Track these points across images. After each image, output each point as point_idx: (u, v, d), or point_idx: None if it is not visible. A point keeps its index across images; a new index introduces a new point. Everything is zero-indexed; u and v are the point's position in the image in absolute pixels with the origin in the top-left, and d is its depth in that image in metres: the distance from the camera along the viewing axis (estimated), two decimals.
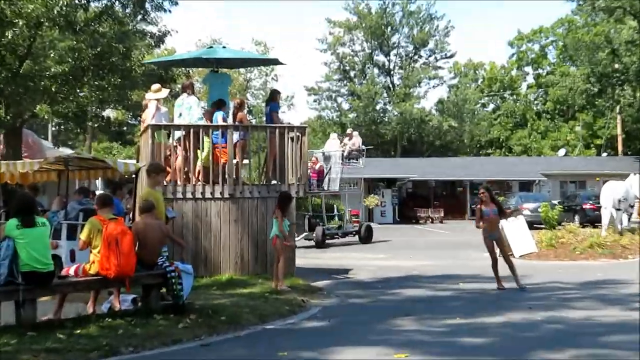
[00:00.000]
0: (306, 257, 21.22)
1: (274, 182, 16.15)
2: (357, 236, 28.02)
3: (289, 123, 18.09)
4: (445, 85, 72.32)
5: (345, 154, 26.47)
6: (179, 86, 25.93)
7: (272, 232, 13.74)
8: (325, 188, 25.61)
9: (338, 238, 27.22)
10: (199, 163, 15.43)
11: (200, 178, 15.34)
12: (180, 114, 15.87)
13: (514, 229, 21.01)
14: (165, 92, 16.30)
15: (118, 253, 9.43)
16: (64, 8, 20.31)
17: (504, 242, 14.23)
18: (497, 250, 14.10)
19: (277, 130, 15.95)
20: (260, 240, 15.42)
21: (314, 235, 25.80)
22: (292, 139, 16.05)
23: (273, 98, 17.41)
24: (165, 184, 14.58)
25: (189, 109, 15.79)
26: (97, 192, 17.51)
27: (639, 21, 47.93)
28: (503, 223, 20.99)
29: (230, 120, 16.27)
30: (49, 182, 17.03)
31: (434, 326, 9.85)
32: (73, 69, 23.25)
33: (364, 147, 28.49)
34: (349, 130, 28.37)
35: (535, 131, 71.42)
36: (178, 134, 15.49)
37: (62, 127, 52.61)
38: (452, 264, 19.29)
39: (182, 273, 10.27)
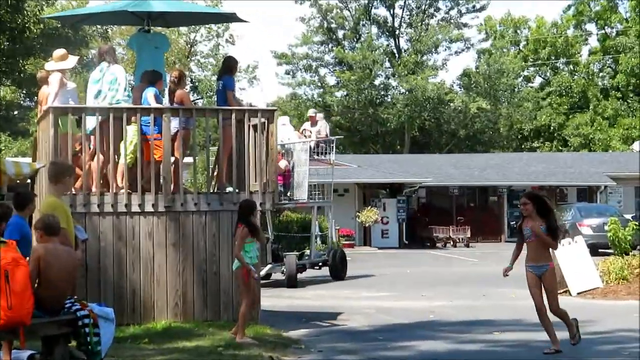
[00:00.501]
0: (276, 296, 21.22)
1: (229, 189, 16.15)
2: (328, 268, 27.14)
3: (251, 104, 18.09)
4: (473, 50, 72.67)
5: (312, 145, 25.91)
6: (94, 51, 25.86)
7: (238, 263, 13.72)
8: (295, 197, 25.16)
9: (301, 271, 26.24)
10: (121, 162, 15.41)
11: (123, 184, 15.34)
12: (100, 92, 15.77)
13: (570, 256, 21.10)
14: (73, 61, 16.24)
15: (8, 292, 9.41)
16: None
17: (553, 281, 13.96)
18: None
19: (233, 114, 15.95)
20: (210, 272, 15.40)
21: (283, 268, 24.99)
22: (254, 127, 16.07)
23: (227, 69, 17.39)
24: (73, 192, 14.56)
25: (112, 84, 15.65)
26: None
27: None
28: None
29: (166, 102, 16.26)
30: None
31: None
32: None
33: (332, 137, 28.15)
34: (311, 112, 27.72)
35: (600, 116, 71.81)
36: (92, 120, 15.47)
37: None
38: (484, 305, 19.37)
39: (99, 319, 10.25)
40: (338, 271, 26.87)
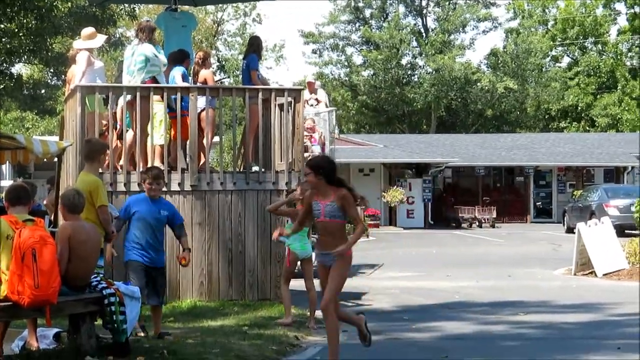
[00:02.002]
0: (300, 275, 21.22)
1: (255, 168, 16.17)
2: None
3: (277, 84, 18.08)
4: (500, 30, 72.28)
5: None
6: (121, 30, 25.87)
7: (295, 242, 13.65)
8: None
9: None
10: (156, 142, 15.43)
11: (157, 162, 15.36)
12: (130, 71, 15.76)
13: (596, 237, 21.05)
14: (100, 40, 16.27)
15: (35, 271, 9.44)
16: None
17: (339, 274, 10.37)
18: None
19: (259, 93, 15.95)
20: (236, 251, 15.46)
21: None
22: (281, 106, 16.07)
23: (252, 49, 17.38)
24: (100, 170, 14.63)
25: (141, 64, 15.57)
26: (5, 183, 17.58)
27: None
28: (580, 229, 21.12)
29: (191, 82, 16.28)
30: None
31: None
32: None
33: (332, 108, 25.73)
34: (310, 79, 25.08)
35: (628, 96, 71.38)
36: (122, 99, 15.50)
37: None
38: (509, 286, 19.35)
39: (125, 298, 10.30)
40: None
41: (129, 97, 15.31)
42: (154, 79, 15.56)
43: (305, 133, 19.09)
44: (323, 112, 21.91)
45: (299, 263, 13.93)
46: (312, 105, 21.84)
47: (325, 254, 10.29)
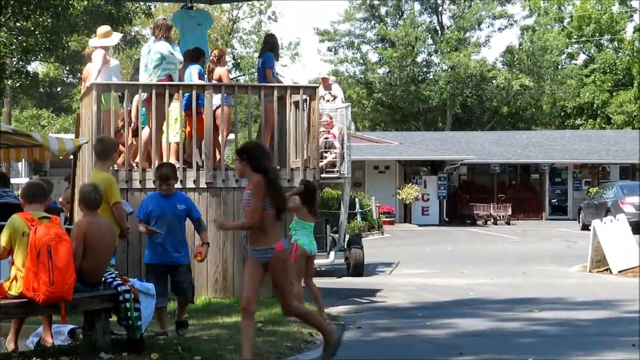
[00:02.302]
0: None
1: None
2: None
3: (293, 81, 18.10)
4: (516, 27, 72.23)
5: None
6: (136, 29, 25.92)
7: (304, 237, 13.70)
8: (344, 172, 20.22)
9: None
10: (172, 140, 15.48)
11: (172, 160, 15.39)
12: (147, 68, 15.76)
13: (612, 234, 21.00)
14: (116, 38, 16.29)
15: (51, 267, 9.46)
16: None
17: (281, 270, 9.69)
18: None
19: (274, 91, 15.97)
20: None
21: (347, 254, 21.35)
22: (296, 104, 16.08)
23: (268, 47, 17.37)
24: (115, 167, 14.66)
25: (157, 61, 15.59)
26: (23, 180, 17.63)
27: None
28: (596, 226, 21.06)
29: (206, 79, 16.30)
30: None
31: None
32: None
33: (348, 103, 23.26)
34: (324, 73, 22.81)
35: None
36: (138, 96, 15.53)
37: None
38: (524, 284, 19.33)
39: (140, 295, 10.32)
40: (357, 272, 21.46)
41: (144, 94, 15.35)
42: (170, 77, 15.58)
43: (323, 129, 18.80)
44: (340, 107, 21.34)
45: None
46: (328, 100, 21.06)
47: (254, 250, 9.66)
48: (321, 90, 19.90)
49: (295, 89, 16.24)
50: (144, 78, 15.65)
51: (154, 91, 15.25)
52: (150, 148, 15.45)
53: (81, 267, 9.95)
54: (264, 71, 16.78)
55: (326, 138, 19.07)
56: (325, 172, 18.68)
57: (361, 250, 21.35)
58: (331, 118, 19.95)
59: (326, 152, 18.99)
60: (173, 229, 11.78)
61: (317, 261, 18.16)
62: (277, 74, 17.37)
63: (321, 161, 17.77)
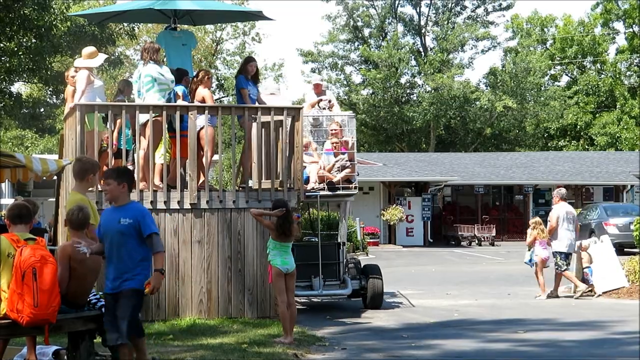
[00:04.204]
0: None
1: (253, 185, 16.18)
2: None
3: (273, 93, 18.11)
4: (499, 49, 72.49)
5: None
6: (120, 49, 25.93)
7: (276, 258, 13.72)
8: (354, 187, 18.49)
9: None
10: (157, 161, 15.51)
11: (162, 182, 15.41)
12: (139, 93, 15.92)
13: (596, 256, 21.03)
14: (101, 59, 16.30)
15: (35, 290, 9.44)
16: None
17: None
18: None
19: (258, 112, 16.02)
20: (235, 269, 15.45)
21: (363, 283, 18.76)
22: (280, 124, 16.11)
23: (239, 69, 17.60)
24: (99, 188, 14.63)
25: (147, 85, 15.69)
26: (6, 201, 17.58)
27: None
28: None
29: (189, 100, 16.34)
30: None
31: None
32: None
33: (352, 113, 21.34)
34: (316, 79, 20.77)
35: (627, 115, 71.48)
36: (142, 118, 15.52)
37: None
38: (509, 305, 19.31)
39: None
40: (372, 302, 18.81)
41: (143, 119, 15.40)
42: (168, 99, 15.73)
43: (335, 140, 18.01)
44: (342, 115, 19.62)
45: None
46: (324, 108, 19.60)
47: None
48: (314, 97, 19.56)
49: (279, 109, 16.27)
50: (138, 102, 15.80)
51: (137, 112, 15.33)
52: (147, 170, 15.45)
53: (67, 289, 9.92)
54: (240, 93, 16.95)
55: (333, 144, 18.04)
56: (342, 189, 17.75)
57: (381, 280, 18.68)
58: (340, 126, 18.53)
59: (340, 165, 17.87)
60: (114, 249, 9.94)
61: (328, 291, 17.91)
62: (254, 93, 17.26)
63: (335, 176, 17.58)
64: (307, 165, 17.40)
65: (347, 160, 17.92)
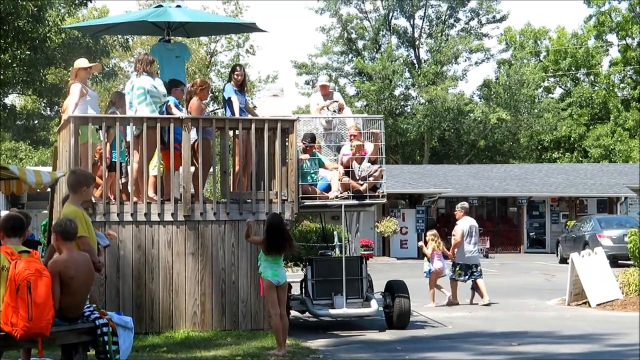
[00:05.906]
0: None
1: (247, 198, 16.19)
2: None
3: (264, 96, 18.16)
4: (493, 61, 72.60)
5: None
6: (114, 61, 25.98)
7: (267, 270, 13.72)
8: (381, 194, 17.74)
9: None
10: (151, 173, 15.50)
11: (156, 195, 15.40)
12: (131, 105, 15.90)
13: (590, 268, 21.04)
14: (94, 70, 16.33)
15: (30, 303, 9.40)
16: None
17: None
18: None
19: (252, 124, 16.02)
20: (229, 282, 15.45)
21: (388, 301, 17.52)
22: (274, 136, 16.12)
23: (229, 77, 17.54)
24: (93, 200, 14.63)
25: (139, 97, 15.69)
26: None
27: None
28: (574, 259, 21.13)
29: (184, 111, 16.33)
30: None
31: None
32: None
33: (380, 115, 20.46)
34: (324, 81, 19.82)
35: (621, 127, 71.62)
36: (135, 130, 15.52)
37: None
38: (504, 317, 19.30)
39: (118, 328, 10.27)
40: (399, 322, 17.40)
41: (136, 130, 15.40)
42: (160, 112, 15.72)
43: (357, 142, 17.08)
44: (373, 118, 18.33)
45: None
46: (334, 111, 18.42)
47: None
48: (321, 99, 18.69)
49: (273, 121, 16.27)
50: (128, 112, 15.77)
51: (131, 124, 15.34)
52: (141, 181, 15.44)
53: (60, 303, 9.89)
54: (228, 102, 16.95)
55: (353, 147, 17.04)
56: (369, 198, 16.98)
57: (408, 299, 17.36)
58: (360, 131, 17.51)
59: (365, 172, 17.18)
60: None
61: (354, 310, 16.72)
62: (242, 102, 17.20)
63: (361, 184, 16.89)
64: (325, 173, 17.05)
65: (370, 166, 17.22)
